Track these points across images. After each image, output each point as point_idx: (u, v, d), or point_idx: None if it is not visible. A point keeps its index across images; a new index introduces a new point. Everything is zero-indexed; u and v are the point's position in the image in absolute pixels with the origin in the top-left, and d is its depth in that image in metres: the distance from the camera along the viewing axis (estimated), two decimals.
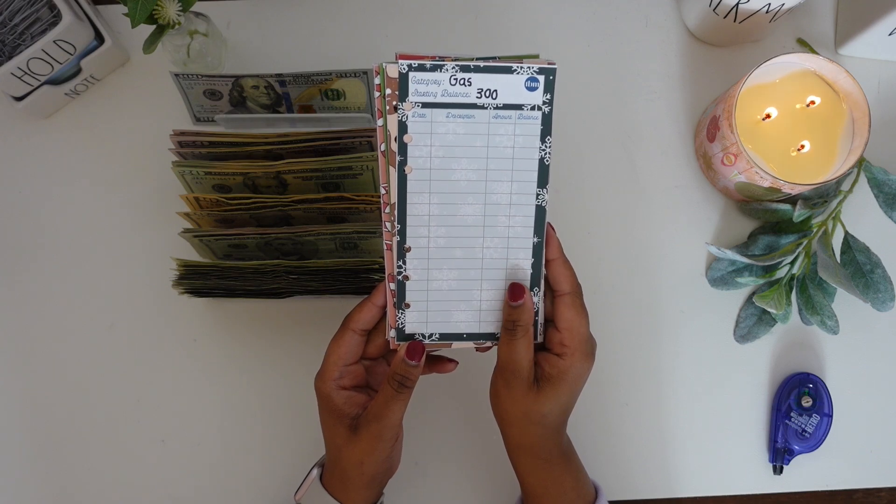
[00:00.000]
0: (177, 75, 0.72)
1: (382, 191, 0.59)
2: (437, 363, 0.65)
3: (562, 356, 0.60)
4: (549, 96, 0.59)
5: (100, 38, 0.76)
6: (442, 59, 0.57)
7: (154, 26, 0.68)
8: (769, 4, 0.72)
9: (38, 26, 0.73)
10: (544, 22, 0.82)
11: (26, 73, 0.73)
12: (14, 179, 0.79)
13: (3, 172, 0.79)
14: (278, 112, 0.76)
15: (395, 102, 0.57)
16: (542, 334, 0.62)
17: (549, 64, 0.59)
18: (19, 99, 0.76)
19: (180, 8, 0.67)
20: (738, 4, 0.73)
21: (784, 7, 0.72)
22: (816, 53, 0.78)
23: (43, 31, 0.73)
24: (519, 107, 0.59)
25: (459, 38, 0.82)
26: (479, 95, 0.58)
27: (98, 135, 0.80)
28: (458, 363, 0.65)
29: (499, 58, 0.58)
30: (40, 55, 0.72)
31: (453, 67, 0.57)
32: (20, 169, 0.79)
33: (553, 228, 0.61)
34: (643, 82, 0.81)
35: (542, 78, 0.59)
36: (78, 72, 0.77)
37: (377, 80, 0.57)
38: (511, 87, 0.58)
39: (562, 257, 0.61)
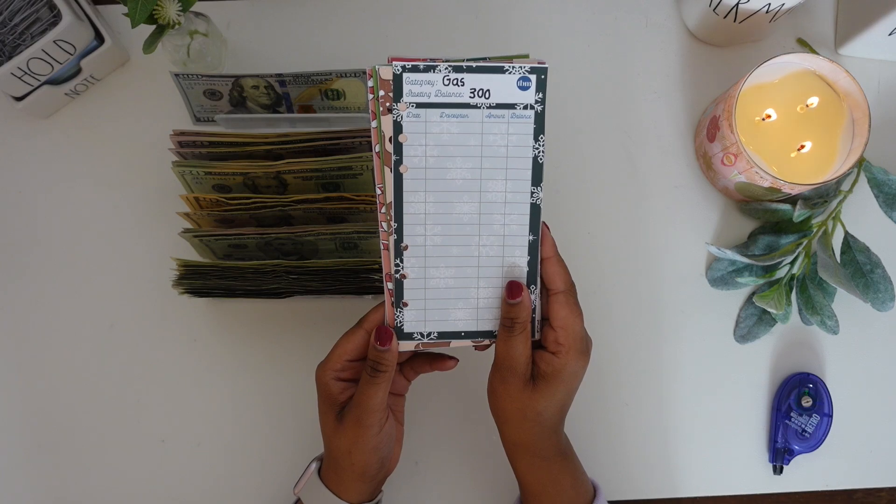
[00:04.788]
0: (177, 75, 0.72)
1: (378, 191, 0.59)
2: (437, 361, 0.66)
3: (557, 354, 0.60)
4: (541, 95, 0.59)
5: (100, 38, 0.77)
6: (433, 60, 0.58)
7: (154, 26, 0.68)
8: (769, 4, 0.72)
9: (38, 26, 0.73)
10: (544, 22, 0.82)
11: (26, 73, 0.73)
12: (14, 179, 0.79)
13: (3, 172, 0.79)
14: (278, 112, 0.76)
15: (388, 104, 0.58)
16: (539, 332, 0.62)
17: (540, 63, 0.59)
18: (19, 99, 0.76)
19: (180, 8, 0.67)
20: (738, 4, 0.73)
21: (784, 7, 0.72)
22: (816, 53, 0.78)
23: (43, 31, 0.73)
24: (512, 106, 0.59)
25: (459, 38, 0.82)
26: (472, 95, 0.58)
27: (98, 135, 0.80)
28: (458, 360, 0.66)
29: (489, 58, 0.59)
30: (40, 55, 0.72)
31: (446, 68, 0.58)
32: (20, 169, 0.79)
33: (547, 227, 0.62)
34: (643, 82, 0.81)
35: (533, 77, 0.59)
36: (78, 72, 0.77)
37: (370, 83, 0.58)
38: (503, 86, 0.59)
39: (556, 256, 0.62)
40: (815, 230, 0.76)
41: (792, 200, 0.76)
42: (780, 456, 0.77)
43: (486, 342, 0.63)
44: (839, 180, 0.76)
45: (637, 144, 0.81)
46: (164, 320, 0.78)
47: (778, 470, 0.77)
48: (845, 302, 0.77)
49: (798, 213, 0.74)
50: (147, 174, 0.79)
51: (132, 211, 0.79)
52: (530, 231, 0.61)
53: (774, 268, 0.77)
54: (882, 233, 0.77)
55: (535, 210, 0.61)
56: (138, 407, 0.78)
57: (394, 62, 0.58)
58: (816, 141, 0.73)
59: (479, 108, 0.59)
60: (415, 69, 0.58)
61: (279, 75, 0.72)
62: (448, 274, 0.61)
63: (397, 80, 0.58)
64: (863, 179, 0.77)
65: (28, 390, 0.78)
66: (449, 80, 0.58)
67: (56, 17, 0.73)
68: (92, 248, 0.79)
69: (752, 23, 0.76)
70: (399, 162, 0.59)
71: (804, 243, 0.76)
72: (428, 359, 0.66)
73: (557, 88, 0.65)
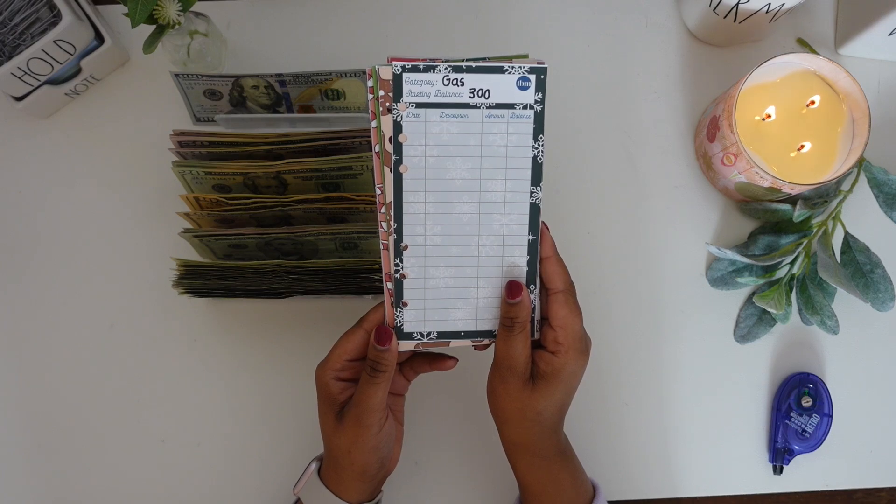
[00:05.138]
0: (177, 75, 0.72)
1: (377, 191, 0.59)
2: (436, 361, 0.66)
3: (556, 354, 0.60)
4: (540, 95, 0.59)
5: (100, 38, 0.77)
6: (433, 60, 0.58)
7: (154, 26, 0.68)
8: (769, 4, 0.72)
9: (38, 26, 0.73)
10: (544, 22, 0.82)
11: (26, 73, 0.73)
12: (14, 179, 0.79)
13: (3, 172, 0.79)
14: (278, 112, 0.76)
15: (388, 104, 0.58)
16: (539, 331, 0.62)
17: (539, 63, 0.59)
18: (19, 99, 0.76)
19: (180, 8, 0.67)
20: (738, 4, 0.73)
21: (784, 7, 0.72)
22: (816, 53, 0.78)
23: (43, 31, 0.73)
24: (511, 106, 0.59)
25: (459, 38, 0.82)
26: (471, 95, 0.59)
27: (98, 135, 0.80)
28: (457, 360, 0.66)
29: (489, 58, 0.59)
30: (40, 55, 0.73)
31: (446, 68, 0.58)
32: (20, 169, 0.79)
33: (546, 227, 0.62)
34: (643, 82, 0.81)
35: (533, 77, 0.59)
36: (78, 72, 0.77)
37: (370, 83, 0.58)
38: (503, 86, 0.59)
39: (555, 255, 0.62)
40: (815, 230, 0.76)
41: (792, 200, 0.76)
42: (780, 456, 0.77)
43: (486, 342, 0.63)
44: (839, 180, 0.76)
45: (637, 144, 0.81)
46: (164, 320, 0.78)
47: (778, 470, 0.77)
48: (845, 302, 0.77)
49: (798, 213, 0.74)
50: (147, 174, 0.79)
51: (132, 211, 0.79)
52: (530, 231, 0.61)
53: (774, 268, 0.77)
54: (882, 233, 0.77)
55: (535, 210, 0.61)
56: (138, 407, 0.78)
57: (394, 62, 0.58)
58: (816, 141, 0.73)
59: (479, 107, 0.59)
60: (415, 69, 0.58)
61: (279, 75, 0.72)
62: (448, 274, 0.61)
63: (397, 80, 0.58)
64: (863, 179, 0.77)
65: (28, 390, 0.78)
66: (448, 80, 0.58)
67: (56, 17, 0.73)
68: (92, 248, 0.79)
69: (752, 23, 0.76)
70: (399, 162, 0.59)
71: (804, 243, 0.76)
72: (427, 358, 0.66)
73: (557, 88, 0.65)
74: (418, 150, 0.59)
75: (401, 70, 0.58)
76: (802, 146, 0.73)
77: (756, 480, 0.78)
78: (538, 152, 0.60)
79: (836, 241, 0.77)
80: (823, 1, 0.82)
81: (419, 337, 0.62)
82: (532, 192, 0.61)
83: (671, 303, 0.79)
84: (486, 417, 0.65)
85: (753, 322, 0.78)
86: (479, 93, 0.59)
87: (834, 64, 0.71)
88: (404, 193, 0.60)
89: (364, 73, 0.71)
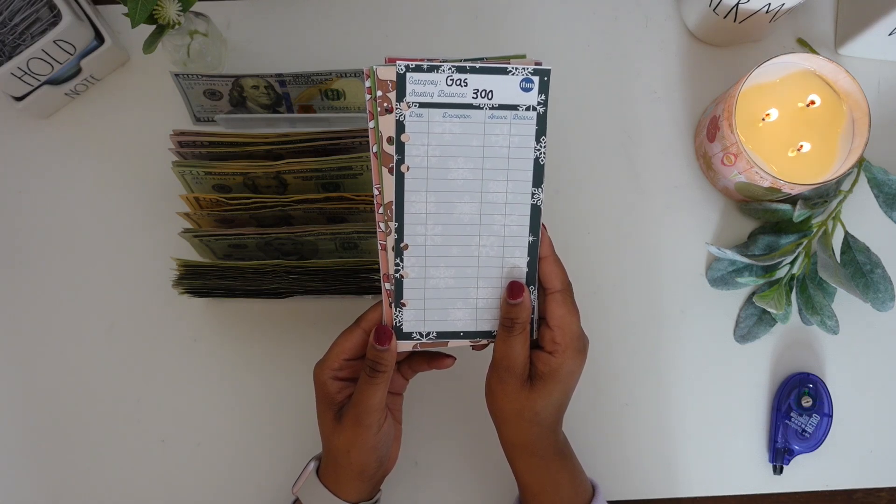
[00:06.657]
0: (177, 75, 0.72)
1: (375, 192, 0.59)
2: (435, 359, 0.66)
3: (554, 354, 0.61)
4: (543, 97, 0.59)
5: (100, 38, 0.77)
6: (431, 60, 0.58)
7: (154, 26, 0.68)
8: (769, 4, 0.72)
9: (38, 26, 0.73)
10: (544, 22, 0.82)
11: (26, 73, 0.73)
12: (14, 179, 0.79)
13: (3, 172, 0.79)
14: (278, 112, 0.76)
15: (386, 104, 0.58)
16: (537, 331, 0.63)
17: (537, 64, 0.59)
18: (19, 99, 0.76)
19: (180, 8, 0.67)
20: (738, 4, 0.73)
21: (784, 7, 0.72)
22: (816, 53, 0.78)
23: (43, 31, 0.73)
24: (514, 107, 0.59)
25: (458, 38, 0.82)
26: (474, 96, 0.59)
27: (98, 135, 0.80)
28: (455, 359, 0.66)
29: (486, 58, 0.59)
30: (40, 55, 0.73)
31: (449, 69, 0.58)
32: (20, 169, 0.79)
33: (545, 227, 0.62)
34: (643, 82, 0.81)
35: (536, 79, 0.59)
36: (78, 72, 0.77)
37: (367, 83, 0.58)
38: (506, 87, 0.59)
39: (553, 255, 0.62)
40: (815, 230, 0.76)
41: (792, 200, 0.76)
42: (780, 456, 0.77)
43: (485, 342, 0.63)
44: (839, 180, 0.76)
45: (637, 145, 0.81)
46: (164, 320, 0.78)
47: (778, 470, 0.77)
48: (845, 302, 0.77)
49: (798, 213, 0.74)
50: (147, 174, 0.79)
51: (132, 211, 0.79)
52: (530, 232, 0.61)
53: (774, 268, 0.77)
54: (882, 233, 0.77)
55: (536, 211, 0.61)
56: (138, 407, 0.78)
57: (398, 62, 0.57)
58: (816, 141, 0.73)
59: (482, 108, 0.59)
60: (418, 69, 0.58)
61: (279, 75, 0.72)
62: (448, 274, 0.61)
63: (401, 79, 0.58)
64: (863, 179, 0.77)
65: (28, 390, 0.78)
66: (452, 80, 0.58)
67: (56, 17, 0.73)
68: (92, 248, 0.79)
69: (752, 23, 0.76)
70: (401, 161, 0.59)
71: (804, 243, 0.76)
72: (426, 357, 0.66)
73: (557, 88, 0.65)
74: (420, 149, 0.59)
75: (405, 70, 0.58)
76: (802, 146, 0.73)
77: (756, 480, 0.78)
78: (540, 154, 0.60)
79: (836, 241, 0.77)
80: (823, 1, 0.82)
81: (418, 337, 0.62)
82: (533, 194, 0.61)
83: (671, 303, 0.79)
84: (485, 417, 0.65)
85: (753, 322, 0.78)
86: (483, 93, 0.59)
87: (834, 64, 0.71)
88: (406, 193, 0.60)
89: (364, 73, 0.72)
